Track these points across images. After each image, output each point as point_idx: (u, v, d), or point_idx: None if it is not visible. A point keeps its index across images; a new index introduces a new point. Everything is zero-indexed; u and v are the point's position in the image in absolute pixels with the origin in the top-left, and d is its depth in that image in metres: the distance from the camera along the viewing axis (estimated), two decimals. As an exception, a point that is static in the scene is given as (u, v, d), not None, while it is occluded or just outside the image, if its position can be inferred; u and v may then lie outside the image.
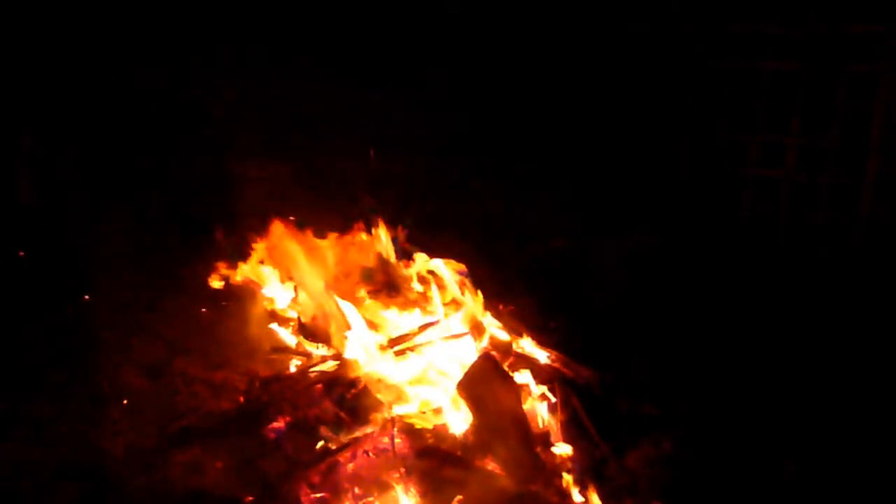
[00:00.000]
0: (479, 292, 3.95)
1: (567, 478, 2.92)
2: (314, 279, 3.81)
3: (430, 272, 4.10)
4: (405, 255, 4.25)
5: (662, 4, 6.07)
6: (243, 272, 4.29)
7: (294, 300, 3.99)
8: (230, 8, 5.94)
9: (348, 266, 4.24)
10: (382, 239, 4.21)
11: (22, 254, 4.77)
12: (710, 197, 5.93)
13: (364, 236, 4.29)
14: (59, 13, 5.43)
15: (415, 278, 4.17)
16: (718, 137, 5.93)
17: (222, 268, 4.31)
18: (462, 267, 3.98)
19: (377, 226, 4.25)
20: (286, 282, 4.18)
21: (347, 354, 3.57)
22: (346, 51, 6.25)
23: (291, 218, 4.23)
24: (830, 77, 5.34)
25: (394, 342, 3.67)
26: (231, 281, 4.30)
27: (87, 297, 4.38)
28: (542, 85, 6.40)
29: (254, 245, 4.27)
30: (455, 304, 3.97)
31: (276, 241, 4.05)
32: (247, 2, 6.11)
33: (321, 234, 4.27)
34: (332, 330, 3.66)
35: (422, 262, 4.16)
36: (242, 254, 4.31)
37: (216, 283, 4.26)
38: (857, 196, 5.31)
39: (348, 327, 3.57)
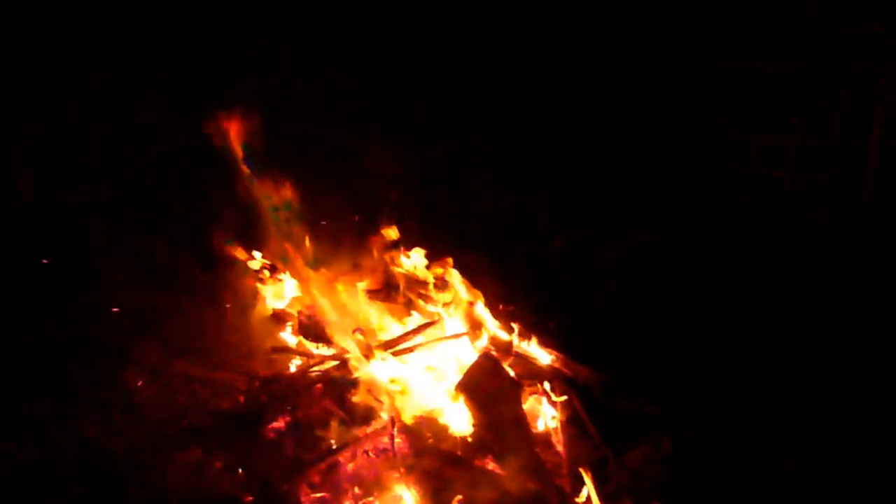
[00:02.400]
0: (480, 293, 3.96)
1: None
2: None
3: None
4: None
5: (663, 5, 6.07)
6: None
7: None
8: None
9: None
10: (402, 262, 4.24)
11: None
12: (709, 196, 5.93)
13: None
14: (62, 12, 5.42)
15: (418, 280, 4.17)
16: (718, 137, 5.93)
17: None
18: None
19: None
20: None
21: (348, 356, 3.58)
22: (344, 50, 6.25)
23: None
24: (830, 77, 5.33)
25: (394, 342, 3.67)
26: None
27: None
28: (542, 85, 6.40)
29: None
30: (455, 304, 3.97)
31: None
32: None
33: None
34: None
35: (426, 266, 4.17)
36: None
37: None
38: (856, 196, 5.30)
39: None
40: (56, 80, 5.35)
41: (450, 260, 4.01)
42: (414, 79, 6.05)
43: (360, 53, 6.14)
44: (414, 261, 4.12)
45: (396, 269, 4.09)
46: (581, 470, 2.86)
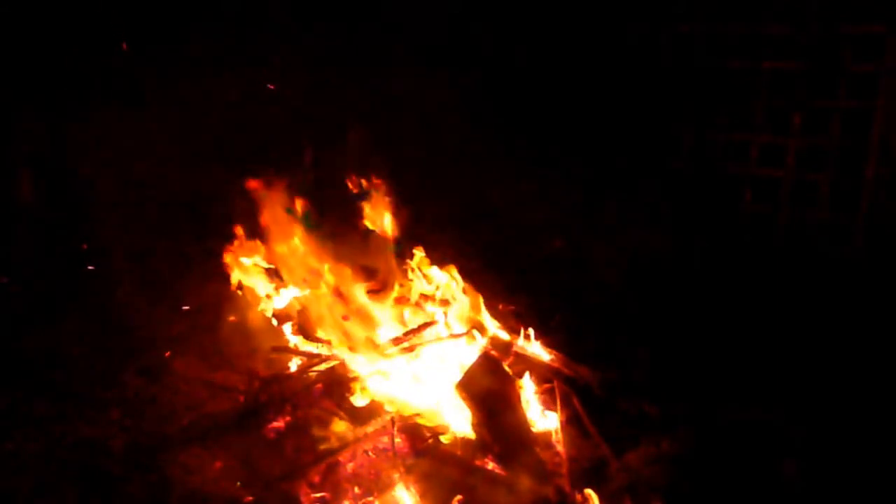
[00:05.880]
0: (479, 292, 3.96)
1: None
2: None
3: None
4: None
5: (664, 5, 6.06)
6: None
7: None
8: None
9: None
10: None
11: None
12: (709, 196, 5.92)
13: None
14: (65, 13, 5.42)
15: (418, 280, 4.17)
16: (718, 137, 5.93)
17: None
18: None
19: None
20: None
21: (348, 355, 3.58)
22: (343, 48, 6.24)
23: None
24: (830, 77, 5.33)
25: (394, 342, 3.67)
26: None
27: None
28: (543, 84, 6.39)
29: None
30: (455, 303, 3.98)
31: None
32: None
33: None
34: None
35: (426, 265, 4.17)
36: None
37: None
38: (857, 196, 5.30)
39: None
40: (55, 78, 5.34)
41: (454, 267, 4.01)
42: (413, 76, 6.05)
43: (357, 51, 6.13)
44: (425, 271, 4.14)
45: (410, 283, 4.11)
46: (588, 491, 2.84)
